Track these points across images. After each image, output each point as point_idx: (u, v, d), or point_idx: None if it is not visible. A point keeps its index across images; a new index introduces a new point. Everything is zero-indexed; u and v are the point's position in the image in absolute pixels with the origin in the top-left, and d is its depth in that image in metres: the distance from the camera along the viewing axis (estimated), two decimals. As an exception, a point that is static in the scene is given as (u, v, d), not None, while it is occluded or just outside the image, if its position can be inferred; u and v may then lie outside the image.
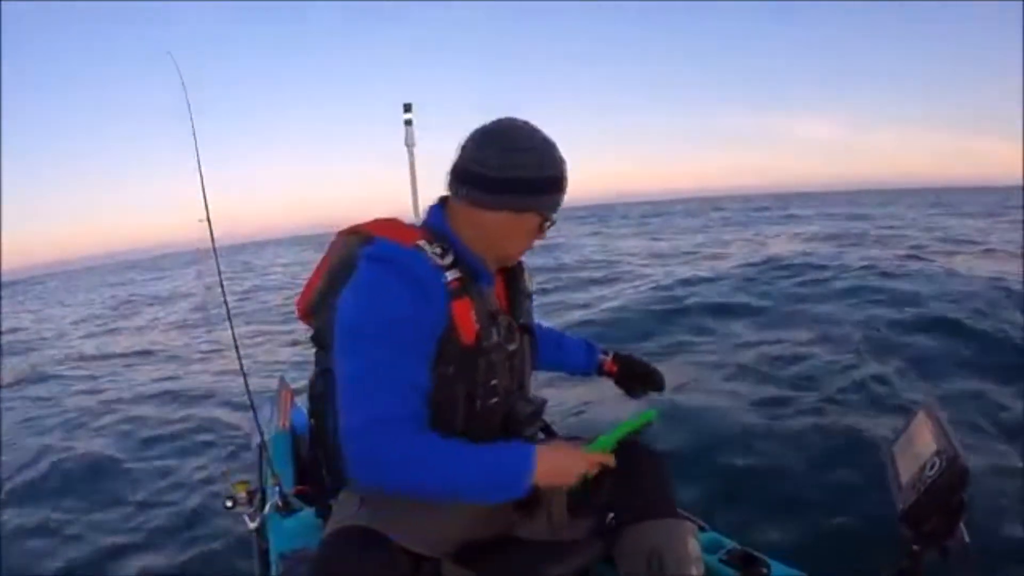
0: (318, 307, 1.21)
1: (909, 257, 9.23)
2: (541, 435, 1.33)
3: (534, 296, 1.31)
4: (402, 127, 2.44)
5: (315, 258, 1.27)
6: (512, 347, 1.18)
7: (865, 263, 8.59)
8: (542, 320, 1.41)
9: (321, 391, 1.19)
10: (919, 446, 0.94)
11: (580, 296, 8.39)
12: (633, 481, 1.20)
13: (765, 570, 1.39)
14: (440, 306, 1.05)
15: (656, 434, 1.18)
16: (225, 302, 2.23)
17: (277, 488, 1.86)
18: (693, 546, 1.17)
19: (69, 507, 3.55)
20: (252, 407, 2.15)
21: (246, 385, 2.15)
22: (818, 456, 3.09)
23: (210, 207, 2.04)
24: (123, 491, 3.68)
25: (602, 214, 39.12)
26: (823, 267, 8.48)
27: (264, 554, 1.74)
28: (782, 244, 12.51)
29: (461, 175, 1.12)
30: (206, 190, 2.04)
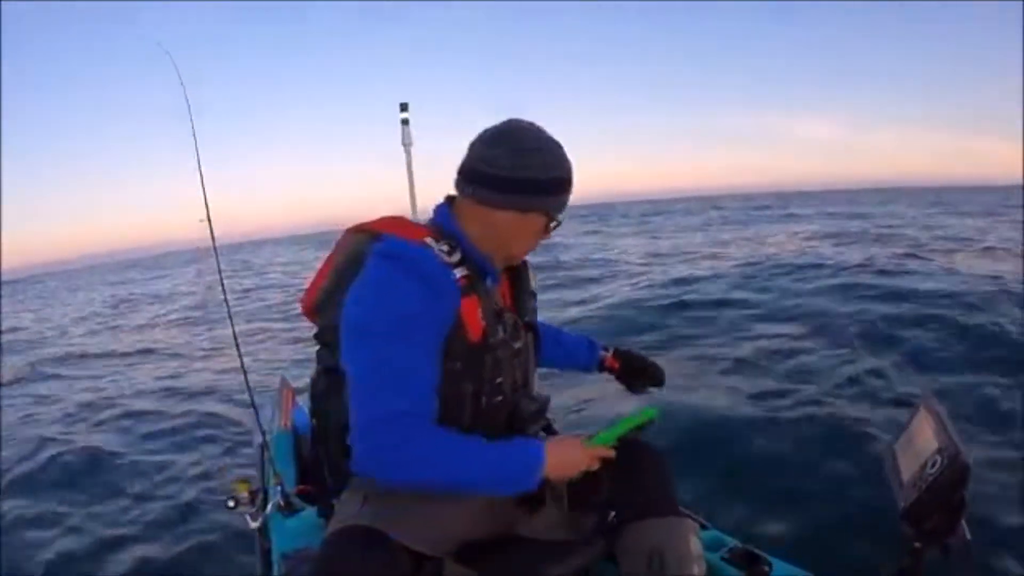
0: (324, 304, 1.21)
1: (908, 255, 9.23)
2: (542, 433, 1.33)
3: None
4: (399, 127, 2.44)
5: (314, 257, 1.27)
6: (518, 345, 1.19)
7: (864, 261, 8.59)
8: (541, 317, 1.41)
9: (323, 390, 1.20)
10: (920, 443, 0.94)
11: (578, 293, 8.39)
12: (634, 479, 1.20)
13: (767, 568, 1.38)
14: (449, 302, 1.06)
15: (654, 428, 1.19)
16: (225, 300, 2.23)
17: (279, 488, 1.86)
18: (695, 544, 1.17)
19: (69, 499, 3.56)
20: (253, 406, 2.14)
21: (247, 383, 2.15)
22: (817, 450, 3.10)
23: (210, 206, 2.04)
24: (123, 484, 3.70)
25: (603, 213, 39.12)
26: (822, 265, 8.48)
27: (266, 554, 1.74)
28: (782, 242, 12.51)
29: (469, 174, 1.13)
30: (206, 189, 2.05)
